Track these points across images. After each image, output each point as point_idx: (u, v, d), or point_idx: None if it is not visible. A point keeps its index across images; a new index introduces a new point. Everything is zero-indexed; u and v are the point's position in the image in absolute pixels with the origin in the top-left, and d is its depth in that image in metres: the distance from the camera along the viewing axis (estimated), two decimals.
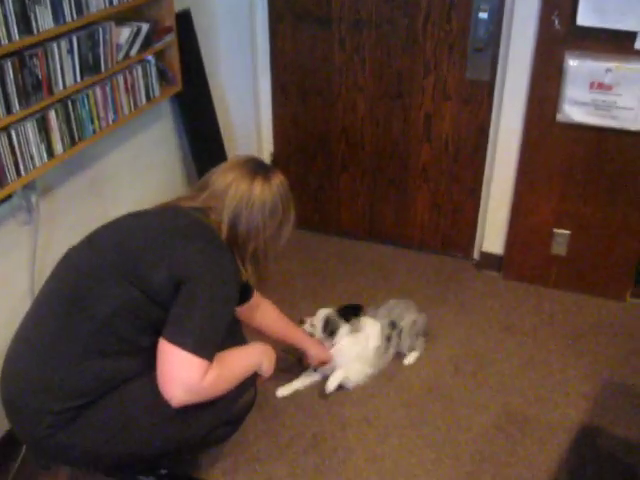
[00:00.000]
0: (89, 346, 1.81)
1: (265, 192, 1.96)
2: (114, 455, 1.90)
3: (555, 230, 3.17)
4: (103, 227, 1.99)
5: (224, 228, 1.93)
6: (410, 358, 2.85)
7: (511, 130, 3.06)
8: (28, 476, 2.37)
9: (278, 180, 2.02)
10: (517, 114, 3.01)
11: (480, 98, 3.15)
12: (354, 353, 2.70)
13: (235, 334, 2.21)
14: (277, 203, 1.99)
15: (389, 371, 2.81)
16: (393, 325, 2.81)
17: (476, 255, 3.54)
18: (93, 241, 1.95)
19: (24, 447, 2.37)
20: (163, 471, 2.24)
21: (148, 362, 1.81)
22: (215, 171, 2.02)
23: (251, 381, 2.11)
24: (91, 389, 1.82)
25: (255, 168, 2.00)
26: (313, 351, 2.63)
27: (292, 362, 2.80)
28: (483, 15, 2.96)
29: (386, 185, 3.54)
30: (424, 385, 2.75)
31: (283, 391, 2.70)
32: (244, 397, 2.13)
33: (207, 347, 1.77)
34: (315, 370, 2.74)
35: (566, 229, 3.15)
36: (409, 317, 2.87)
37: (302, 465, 2.41)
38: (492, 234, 3.37)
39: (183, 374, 1.75)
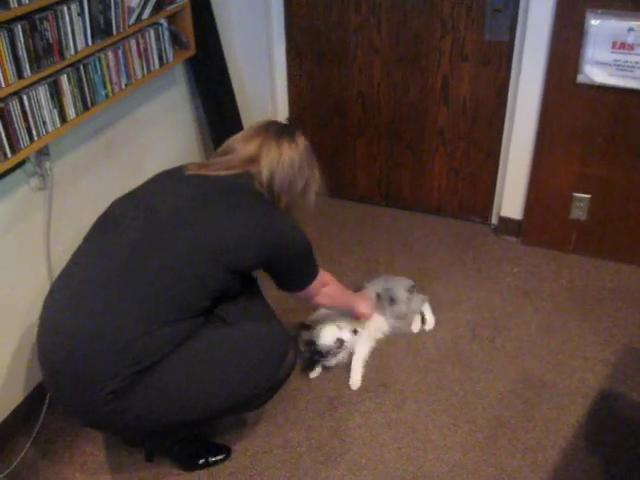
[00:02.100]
0: (159, 309, 1.89)
1: (293, 151, 2.14)
2: (165, 418, 1.95)
3: (575, 194, 3.12)
4: (162, 190, 2.10)
5: (264, 190, 2.10)
6: (417, 323, 2.86)
7: (530, 92, 3.00)
8: (51, 435, 2.41)
9: (301, 140, 2.20)
10: (537, 76, 2.95)
11: (499, 60, 3.09)
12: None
13: (255, 296, 2.28)
14: (303, 160, 2.17)
15: (406, 336, 2.81)
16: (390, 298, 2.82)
17: (494, 220, 3.50)
18: (154, 206, 2.02)
19: (45, 406, 2.41)
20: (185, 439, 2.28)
21: (202, 322, 1.99)
22: (238, 138, 2.17)
23: (289, 345, 2.22)
24: (156, 352, 1.86)
25: (279, 131, 2.17)
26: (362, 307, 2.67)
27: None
28: None
29: (403, 149, 3.50)
30: (441, 350, 2.74)
31: (314, 373, 2.67)
32: (287, 360, 2.17)
33: (313, 275, 2.25)
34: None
35: (586, 193, 3.10)
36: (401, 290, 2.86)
37: (318, 429, 2.42)
38: (510, 199, 3.33)
39: (313, 294, 2.31)
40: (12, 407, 2.39)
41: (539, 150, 3.10)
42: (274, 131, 2.16)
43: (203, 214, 1.99)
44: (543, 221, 3.27)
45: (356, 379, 2.60)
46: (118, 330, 1.85)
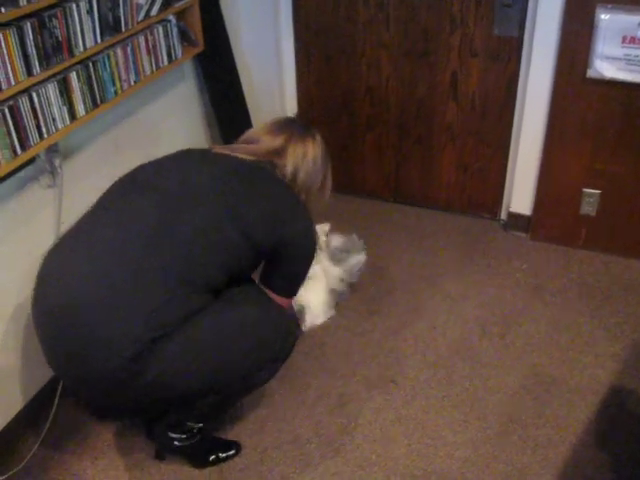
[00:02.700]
0: (182, 277, 1.91)
1: (316, 149, 2.25)
2: (178, 388, 1.96)
3: (585, 190, 3.11)
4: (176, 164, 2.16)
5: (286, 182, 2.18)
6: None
7: (540, 87, 2.99)
8: (61, 432, 2.42)
9: (319, 137, 2.30)
10: (546, 71, 2.94)
11: (508, 55, 3.07)
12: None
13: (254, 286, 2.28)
14: (323, 157, 2.28)
15: (416, 332, 2.80)
16: None
17: (503, 216, 3.49)
18: (184, 172, 2.09)
19: (55, 405, 2.42)
20: (198, 437, 2.26)
21: (212, 299, 2.01)
22: (262, 131, 2.26)
23: (293, 323, 2.34)
24: (174, 321, 1.88)
25: (303, 129, 2.28)
26: None
27: None
28: None
29: (411, 145, 3.49)
30: (451, 346, 2.74)
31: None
32: (290, 336, 2.22)
33: (298, 289, 2.27)
34: None
35: (596, 189, 3.09)
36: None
37: (328, 426, 2.42)
38: (520, 194, 3.32)
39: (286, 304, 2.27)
40: (21, 406, 2.41)
41: (549, 145, 3.09)
42: (299, 128, 2.26)
43: (235, 185, 2.05)
44: (553, 217, 3.26)
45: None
46: (142, 293, 1.86)
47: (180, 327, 1.89)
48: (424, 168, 3.54)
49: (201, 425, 2.25)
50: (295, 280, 2.24)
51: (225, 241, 1.98)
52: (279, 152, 2.18)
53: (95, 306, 1.85)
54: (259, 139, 2.22)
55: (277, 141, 2.20)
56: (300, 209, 2.16)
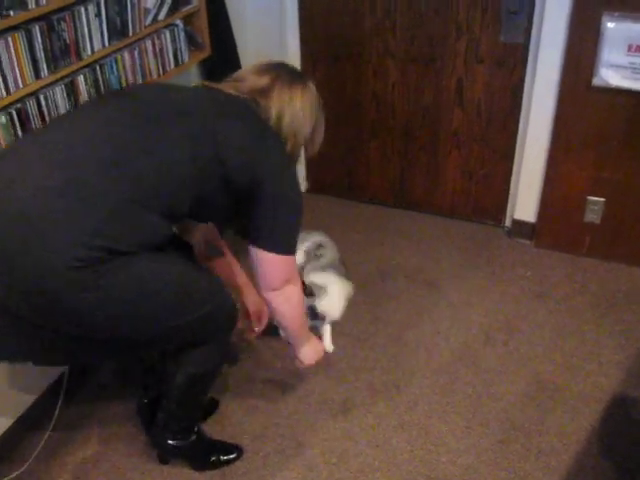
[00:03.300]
0: (150, 189, 1.76)
1: (305, 95, 2.06)
2: (113, 321, 1.78)
3: (589, 197, 3.11)
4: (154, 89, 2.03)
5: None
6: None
7: (545, 94, 2.99)
8: (62, 436, 2.42)
9: (312, 86, 2.13)
10: (552, 78, 2.94)
11: (514, 61, 3.08)
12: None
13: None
14: (314, 107, 2.10)
15: (419, 337, 2.80)
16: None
17: (508, 222, 3.49)
18: (159, 95, 1.95)
19: (59, 403, 2.42)
20: (193, 436, 2.27)
21: (170, 235, 1.87)
22: (248, 69, 2.10)
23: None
24: (128, 238, 1.73)
25: (292, 72, 2.11)
26: (252, 298, 2.50)
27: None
28: None
29: (417, 151, 3.50)
30: (454, 353, 2.74)
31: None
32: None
33: (293, 244, 2.02)
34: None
35: (601, 196, 3.09)
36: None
37: (331, 431, 2.42)
38: (524, 201, 3.32)
39: (286, 277, 2.03)
40: (24, 408, 2.42)
41: (554, 153, 3.09)
42: (287, 71, 2.09)
43: (216, 109, 1.92)
44: (557, 224, 3.26)
45: (328, 342, 2.73)
46: (101, 197, 1.69)
47: (133, 254, 1.74)
48: (429, 174, 3.54)
49: (191, 424, 2.26)
50: (284, 231, 2.00)
51: (198, 160, 1.82)
52: (264, 92, 2.00)
53: (58, 201, 1.67)
54: (245, 78, 2.05)
55: (262, 80, 2.02)
56: (278, 147, 1.99)
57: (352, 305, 2.94)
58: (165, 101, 1.91)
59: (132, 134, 1.79)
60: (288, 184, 2.00)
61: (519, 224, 3.39)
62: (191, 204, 1.86)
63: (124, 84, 2.38)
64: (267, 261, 1.98)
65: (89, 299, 1.68)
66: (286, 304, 2.08)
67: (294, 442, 2.38)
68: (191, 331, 1.98)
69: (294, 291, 2.08)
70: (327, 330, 2.77)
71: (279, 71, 2.07)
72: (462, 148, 3.39)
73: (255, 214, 1.95)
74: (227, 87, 2.02)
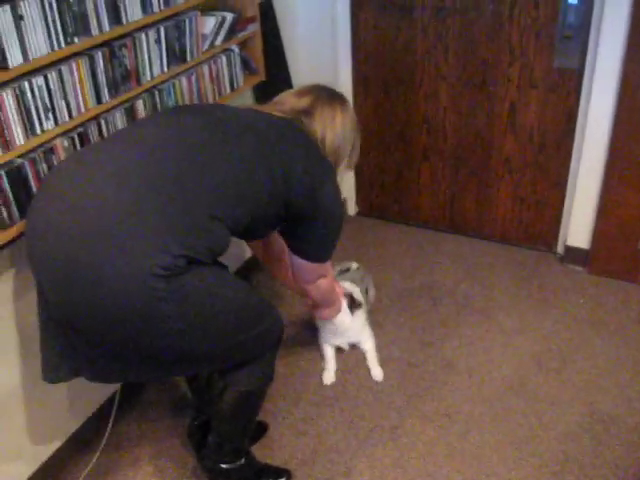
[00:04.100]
0: (224, 204, 1.80)
1: (345, 114, 2.13)
2: (191, 333, 1.77)
3: None
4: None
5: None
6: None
7: (600, 119, 2.95)
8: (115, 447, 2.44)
9: (349, 105, 2.19)
10: (607, 103, 2.90)
11: (568, 87, 3.05)
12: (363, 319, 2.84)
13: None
14: (353, 125, 2.17)
15: (470, 365, 2.77)
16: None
17: (560, 249, 3.44)
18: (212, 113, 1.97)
19: (110, 424, 2.44)
20: (243, 459, 2.26)
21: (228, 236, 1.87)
22: (285, 94, 2.17)
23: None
24: (205, 248, 1.75)
25: (332, 93, 2.17)
26: None
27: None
28: (573, 0, 2.85)
29: (468, 176, 3.48)
30: (506, 381, 2.70)
31: (327, 379, 2.74)
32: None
33: (332, 252, 2.18)
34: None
35: None
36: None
37: (381, 458, 2.40)
38: (577, 227, 3.27)
39: (319, 275, 2.24)
40: (74, 428, 2.45)
41: (608, 179, 3.04)
42: (325, 91, 2.15)
43: (274, 131, 1.95)
44: (611, 251, 3.20)
45: (378, 371, 2.76)
46: (181, 209, 1.71)
47: (201, 266, 1.74)
48: (480, 198, 3.51)
49: (241, 445, 2.26)
50: (326, 245, 2.14)
51: (272, 180, 1.87)
52: (307, 112, 2.05)
53: (138, 214, 1.67)
54: (285, 101, 2.11)
55: (303, 101, 2.08)
56: (332, 169, 2.06)
57: (402, 330, 2.94)
58: (230, 117, 1.94)
59: (208, 148, 1.83)
60: (338, 204, 2.09)
61: (572, 250, 3.34)
62: (248, 220, 1.90)
63: None
64: (306, 267, 2.18)
65: (165, 309, 1.68)
66: (316, 291, 2.32)
67: (343, 468, 2.37)
68: (249, 347, 2.00)
69: (324, 282, 2.29)
70: (373, 356, 2.81)
71: (318, 92, 2.13)
72: (514, 173, 3.36)
73: (301, 232, 2.08)
74: (271, 109, 2.06)
